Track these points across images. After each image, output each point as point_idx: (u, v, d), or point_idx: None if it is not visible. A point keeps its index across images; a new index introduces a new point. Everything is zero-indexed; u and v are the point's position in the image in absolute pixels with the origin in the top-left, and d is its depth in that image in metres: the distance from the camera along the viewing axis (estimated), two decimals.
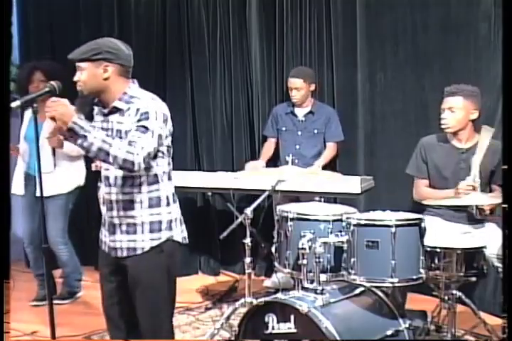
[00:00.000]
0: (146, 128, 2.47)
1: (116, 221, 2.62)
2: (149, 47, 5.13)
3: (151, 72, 5.11)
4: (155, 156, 2.55)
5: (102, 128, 2.60)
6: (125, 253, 2.61)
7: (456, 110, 3.48)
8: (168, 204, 2.63)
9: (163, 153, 2.59)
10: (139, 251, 2.59)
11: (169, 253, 2.63)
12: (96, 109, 2.68)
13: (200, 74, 5.05)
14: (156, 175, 2.59)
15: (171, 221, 2.63)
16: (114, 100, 2.56)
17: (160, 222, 2.60)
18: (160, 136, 2.51)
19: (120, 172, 2.57)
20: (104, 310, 2.76)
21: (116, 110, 2.57)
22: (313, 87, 4.56)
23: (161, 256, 2.60)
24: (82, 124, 2.39)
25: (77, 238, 4.48)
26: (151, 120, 2.48)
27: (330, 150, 4.54)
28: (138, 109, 2.50)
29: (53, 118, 2.41)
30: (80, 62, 2.54)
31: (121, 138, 2.52)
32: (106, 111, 2.60)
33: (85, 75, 2.54)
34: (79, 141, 2.39)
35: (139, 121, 2.48)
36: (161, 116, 2.53)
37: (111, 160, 2.40)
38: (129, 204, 2.58)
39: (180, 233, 2.67)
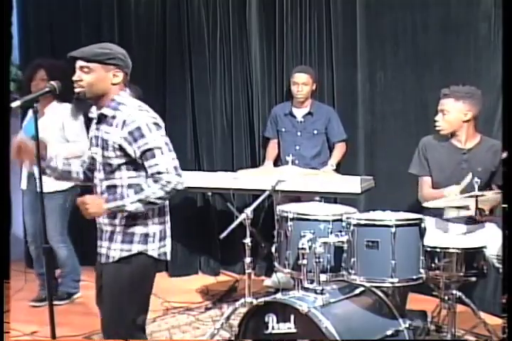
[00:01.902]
0: (150, 149, 2.47)
1: (103, 227, 2.64)
2: (149, 47, 5.13)
3: (151, 72, 5.11)
4: (137, 167, 2.53)
5: (95, 136, 2.61)
6: (104, 260, 2.62)
7: (448, 112, 3.50)
8: (146, 217, 2.57)
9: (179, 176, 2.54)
10: (110, 260, 2.59)
11: (138, 267, 2.58)
12: (91, 115, 2.68)
13: (200, 75, 5.05)
14: (138, 185, 2.53)
15: (147, 234, 2.58)
16: (103, 106, 2.56)
17: (132, 234, 2.56)
18: (167, 144, 2.51)
19: (105, 182, 2.57)
20: (98, 307, 2.78)
21: (103, 117, 2.56)
22: (314, 86, 4.57)
23: (126, 268, 2.56)
24: (114, 205, 2.47)
25: (76, 238, 4.48)
26: (147, 136, 2.47)
27: (340, 150, 4.56)
28: (124, 121, 2.48)
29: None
30: (90, 62, 2.52)
31: (107, 148, 2.52)
32: (96, 118, 2.60)
33: (93, 77, 2.52)
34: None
35: (135, 141, 2.46)
36: (153, 127, 2.50)
37: (160, 202, 2.50)
38: (111, 213, 2.57)
39: (157, 248, 2.60)
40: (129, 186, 2.55)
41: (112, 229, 2.60)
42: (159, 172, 2.46)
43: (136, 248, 2.56)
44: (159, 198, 2.47)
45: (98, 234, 2.68)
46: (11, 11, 5.05)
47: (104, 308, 2.65)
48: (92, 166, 2.70)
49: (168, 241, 2.67)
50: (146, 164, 2.49)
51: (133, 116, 2.49)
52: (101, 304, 2.72)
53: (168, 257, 2.67)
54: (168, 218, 2.68)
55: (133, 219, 2.56)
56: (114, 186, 2.56)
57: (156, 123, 2.52)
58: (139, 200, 2.46)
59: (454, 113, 3.50)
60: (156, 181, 2.46)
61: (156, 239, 2.60)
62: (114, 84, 2.56)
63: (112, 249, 2.58)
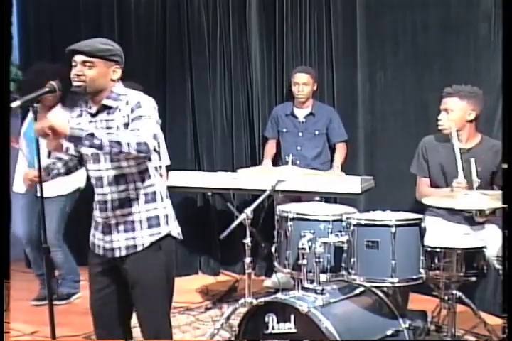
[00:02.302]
0: (141, 115, 2.48)
1: (112, 221, 2.61)
2: (149, 47, 5.13)
3: (151, 72, 5.11)
4: None
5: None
6: (124, 252, 2.60)
7: (452, 111, 3.49)
8: (162, 199, 2.64)
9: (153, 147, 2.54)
10: (139, 248, 2.59)
11: (168, 249, 2.64)
12: (78, 110, 2.68)
13: (200, 74, 5.05)
14: (147, 170, 2.60)
15: (167, 216, 2.64)
16: (101, 99, 2.58)
17: (157, 217, 2.61)
18: (157, 122, 2.54)
19: (112, 172, 2.57)
20: (92, 310, 2.75)
21: (104, 108, 2.58)
22: (315, 87, 4.57)
23: (160, 252, 2.61)
24: (80, 126, 2.39)
25: (75, 238, 4.48)
26: (144, 108, 2.51)
27: (341, 150, 4.56)
28: (127, 102, 2.53)
29: (51, 130, 2.32)
30: (93, 57, 2.55)
31: None
32: (94, 110, 2.60)
33: (96, 72, 2.55)
34: (87, 143, 2.33)
35: (132, 111, 2.50)
36: (152, 106, 2.55)
37: (126, 148, 2.34)
38: (125, 202, 2.58)
39: (175, 228, 2.69)
40: (140, 172, 2.57)
41: (129, 219, 2.58)
42: (139, 130, 2.43)
43: (164, 230, 2.61)
44: (127, 144, 2.33)
45: (103, 231, 2.64)
46: (11, 10, 5.04)
47: (138, 301, 2.63)
48: (75, 161, 2.72)
49: (177, 222, 2.72)
50: (131, 126, 2.48)
51: (135, 97, 2.55)
52: (105, 304, 2.70)
53: (181, 237, 2.72)
54: (169, 200, 2.72)
55: (153, 202, 2.59)
56: (123, 174, 2.57)
57: (154, 107, 2.57)
58: (109, 133, 2.37)
59: (458, 112, 3.49)
60: (133, 133, 2.41)
61: (173, 219, 2.68)
62: (112, 80, 2.59)
63: (140, 237, 2.58)
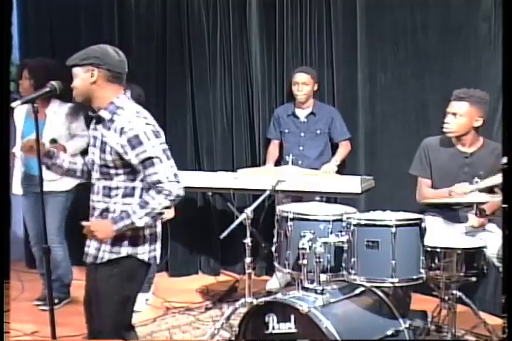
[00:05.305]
0: (149, 158, 2.47)
1: None
2: (149, 47, 5.13)
3: (151, 72, 5.11)
4: (134, 171, 2.53)
5: (94, 136, 2.62)
6: (89, 260, 2.63)
7: (460, 116, 3.45)
8: None
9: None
10: (98, 260, 2.59)
11: (127, 270, 2.58)
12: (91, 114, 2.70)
13: (200, 74, 5.05)
14: (133, 188, 2.56)
15: (137, 238, 2.57)
16: (101, 108, 2.57)
17: (122, 237, 2.54)
18: (165, 150, 2.52)
19: (102, 182, 2.59)
20: (83, 307, 2.77)
21: (102, 119, 2.57)
22: (316, 87, 4.57)
23: (116, 270, 2.57)
24: (122, 225, 2.47)
25: (75, 238, 4.48)
26: (145, 144, 2.47)
27: (344, 148, 4.55)
28: (122, 128, 2.48)
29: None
30: (73, 67, 2.58)
31: (104, 151, 2.52)
32: (96, 119, 2.62)
33: (76, 80, 2.58)
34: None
35: (133, 148, 2.46)
36: (151, 134, 2.50)
37: (165, 211, 2.54)
38: (103, 213, 2.58)
39: (147, 252, 2.61)
40: (125, 188, 2.56)
41: None
42: (160, 182, 2.46)
43: (125, 251, 2.56)
44: (165, 207, 2.50)
45: None
46: (11, 11, 5.04)
47: (93, 309, 2.64)
48: (92, 165, 2.70)
49: (159, 244, 2.68)
50: (145, 172, 2.49)
51: (131, 123, 2.49)
52: (88, 304, 2.71)
53: (158, 261, 2.68)
54: (158, 221, 2.67)
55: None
56: (109, 188, 2.58)
57: (154, 131, 2.52)
58: (147, 214, 2.47)
59: (466, 117, 3.45)
60: (159, 192, 2.47)
61: (146, 243, 2.60)
62: (93, 83, 2.55)
63: (102, 250, 2.58)
